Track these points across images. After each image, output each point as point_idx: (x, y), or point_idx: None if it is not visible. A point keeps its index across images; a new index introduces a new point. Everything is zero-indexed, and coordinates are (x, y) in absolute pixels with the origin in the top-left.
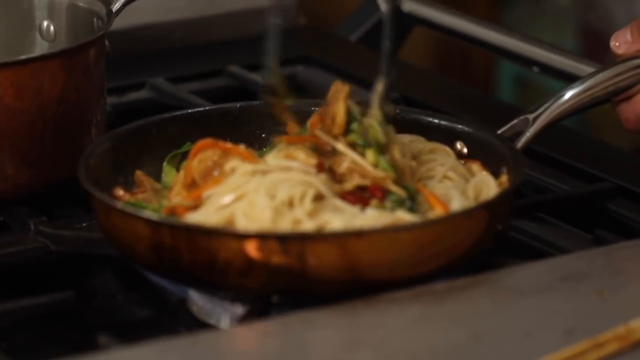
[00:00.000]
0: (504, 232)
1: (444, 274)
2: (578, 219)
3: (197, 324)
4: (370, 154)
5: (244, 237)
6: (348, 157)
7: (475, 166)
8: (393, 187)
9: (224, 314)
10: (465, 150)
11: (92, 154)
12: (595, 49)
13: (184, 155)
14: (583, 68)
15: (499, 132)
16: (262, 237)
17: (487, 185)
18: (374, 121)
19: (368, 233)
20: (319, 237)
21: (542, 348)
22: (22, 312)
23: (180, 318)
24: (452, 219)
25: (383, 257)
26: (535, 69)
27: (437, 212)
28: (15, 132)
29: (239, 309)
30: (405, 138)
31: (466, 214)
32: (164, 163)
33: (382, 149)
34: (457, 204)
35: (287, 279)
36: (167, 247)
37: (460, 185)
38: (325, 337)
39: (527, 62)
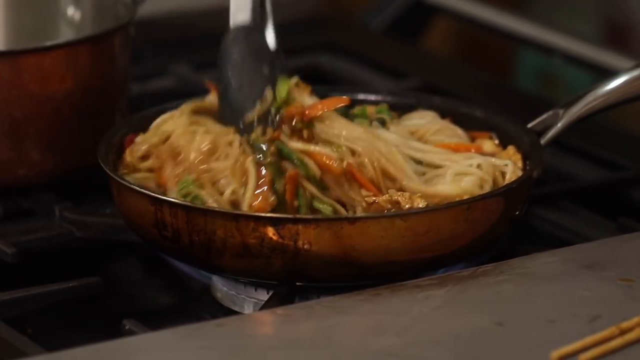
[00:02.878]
0: (521, 221)
1: (466, 261)
2: (601, 206)
3: (221, 310)
4: None
5: (239, 217)
6: None
7: (488, 143)
8: None
9: (247, 301)
10: (496, 141)
11: (112, 136)
12: (616, 40)
13: None
14: (606, 59)
15: (529, 125)
16: (256, 219)
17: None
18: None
19: (363, 220)
20: (314, 221)
21: (566, 334)
22: (47, 297)
23: (204, 304)
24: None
25: (376, 245)
26: (558, 59)
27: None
28: (41, 118)
29: (263, 296)
30: (416, 115)
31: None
32: None
33: None
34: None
35: (283, 263)
36: (167, 224)
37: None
38: (349, 323)
39: (550, 51)
